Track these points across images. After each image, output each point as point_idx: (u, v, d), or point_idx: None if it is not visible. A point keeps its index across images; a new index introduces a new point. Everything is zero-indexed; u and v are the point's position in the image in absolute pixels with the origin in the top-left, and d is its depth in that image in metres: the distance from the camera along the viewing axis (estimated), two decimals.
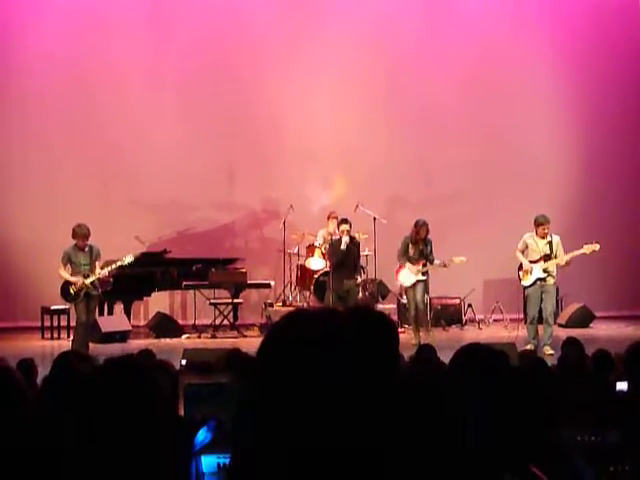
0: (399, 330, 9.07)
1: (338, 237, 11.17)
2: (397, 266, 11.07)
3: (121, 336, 11.35)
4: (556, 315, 11.16)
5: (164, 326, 12.14)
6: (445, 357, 4.41)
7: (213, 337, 11.76)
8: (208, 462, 2.75)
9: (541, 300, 10.07)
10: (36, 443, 2.57)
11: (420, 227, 10.70)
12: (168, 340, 11.54)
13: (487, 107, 13.81)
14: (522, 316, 11.87)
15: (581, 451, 3.28)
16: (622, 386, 4.12)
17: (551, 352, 9.44)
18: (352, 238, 11.16)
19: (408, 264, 10.75)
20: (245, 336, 11.76)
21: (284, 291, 13.01)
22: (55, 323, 12.00)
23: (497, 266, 12.94)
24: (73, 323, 10.55)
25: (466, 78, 13.82)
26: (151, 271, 12.06)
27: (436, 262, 10.85)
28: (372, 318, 1.26)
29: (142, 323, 12.87)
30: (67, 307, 11.12)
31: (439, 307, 12.75)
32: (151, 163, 13.31)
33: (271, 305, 12.80)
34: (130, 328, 11.76)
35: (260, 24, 13.72)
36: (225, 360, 4.61)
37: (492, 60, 13.89)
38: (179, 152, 13.37)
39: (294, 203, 12.97)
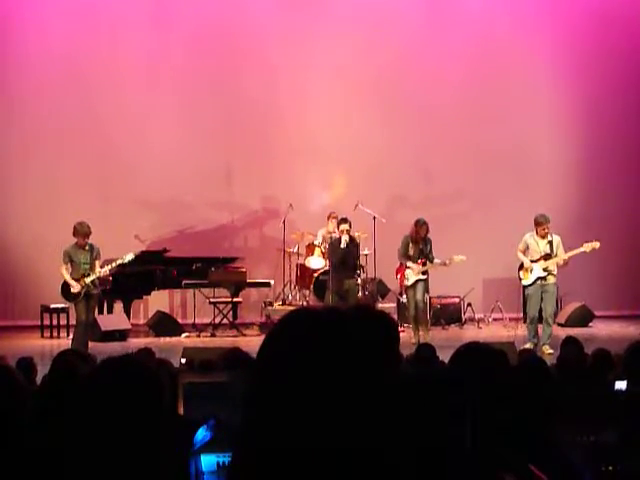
0: (399, 329, 9.07)
1: (338, 236, 11.17)
2: (397, 265, 11.07)
3: (121, 335, 11.36)
4: (555, 314, 11.16)
5: (164, 325, 12.15)
6: (444, 356, 4.42)
7: (213, 336, 11.77)
8: (207, 461, 2.75)
9: (541, 300, 10.07)
10: (35, 442, 2.57)
11: (420, 226, 10.70)
12: (168, 339, 11.54)
13: (487, 106, 13.82)
14: (521, 315, 11.89)
15: (580, 450, 3.28)
16: (621, 385, 4.12)
17: (550, 351, 9.45)
18: (352, 237, 11.17)
19: (410, 263, 10.76)
20: (245, 335, 11.77)
21: (284, 290, 13.01)
22: (55, 322, 12.00)
23: (497, 265, 12.97)
24: (73, 322, 10.56)
25: (466, 77, 13.83)
26: (151, 270, 12.07)
27: (436, 261, 10.86)
28: (373, 317, 1.26)
29: (142, 322, 12.88)
30: (67, 306, 11.12)
31: (439, 306, 12.76)
32: (151, 162, 13.31)
33: (271, 304, 12.81)
34: (130, 327, 11.76)
35: (259, 21, 13.71)
36: (225, 359, 4.61)
37: (492, 60, 13.89)
38: (179, 151, 13.37)
39: (294, 202, 12.98)
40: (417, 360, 5.32)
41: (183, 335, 11.90)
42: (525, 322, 10.67)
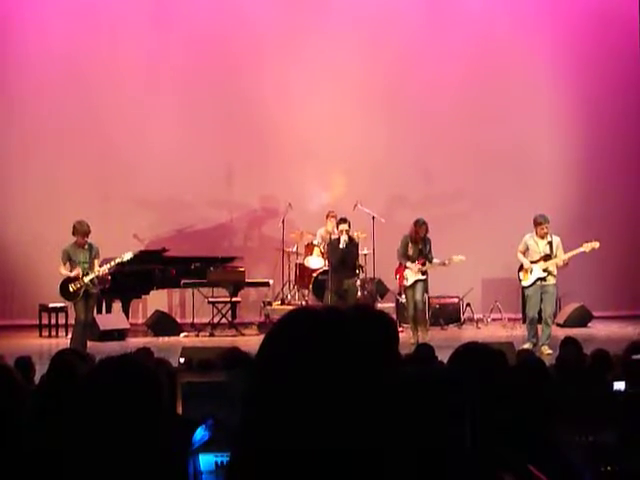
0: (398, 329, 9.07)
1: (337, 236, 11.17)
2: (396, 265, 11.07)
3: (119, 334, 11.36)
4: (555, 315, 11.16)
5: (162, 324, 12.14)
6: (443, 356, 4.41)
7: (211, 335, 11.77)
8: (206, 460, 2.75)
9: (541, 300, 10.07)
10: (34, 441, 2.57)
11: (419, 226, 10.70)
12: (166, 338, 11.53)
13: (487, 106, 13.81)
14: (520, 315, 11.90)
15: (579, 450, 3.28)
16: (620, 386, 4.13)
17: (549, 352, 9.45)
18: (351, 237, 11.16)
19: (409, 263, 10.76)
20: (243, 334, 11.77)
21: (283, 290, 13.01)
22: (53, 321, 11.99)
23: (496, 265, 12.96)
24: (71, 321, 10.55)
25: (466, 77, 13.83)
26: (150, 269, 12.06)
27: (435, 261, 10.86)
28: (372, 317, 1.26)
29: (140, 321, 12.87)
30: (65, 305, 11.11)
31: (438, 306, 12.76)
32: (150, 161, 13.30)
33: (269, 304, 12.81)
34: (128, 326, 11.76)
35: (259, 22, 13.71)
36: (223, 358, 4.61)
37: (492, 60, 13.88)
38: (178, 150, 13.36)
39: (293, 201, 12.98)
40: (416, 360, 5.31)
41: (182, 335, 11.89)
42: (524, 322, 10.67)
